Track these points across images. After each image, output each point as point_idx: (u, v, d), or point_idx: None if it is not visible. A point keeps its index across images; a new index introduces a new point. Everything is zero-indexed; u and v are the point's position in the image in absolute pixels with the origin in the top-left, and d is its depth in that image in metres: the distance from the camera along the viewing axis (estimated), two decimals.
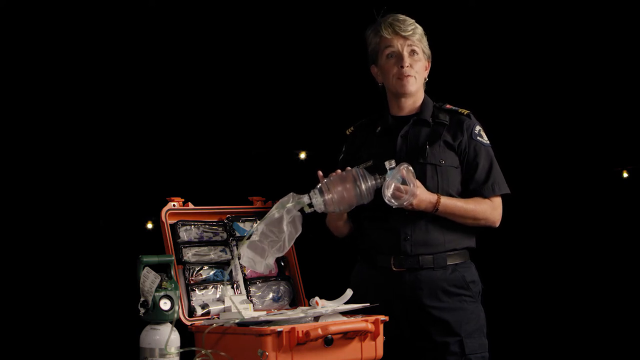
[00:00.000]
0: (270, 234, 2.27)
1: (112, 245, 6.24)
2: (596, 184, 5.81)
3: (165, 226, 2.43)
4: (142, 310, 2.12)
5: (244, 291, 2.48)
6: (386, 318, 2.28)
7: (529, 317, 5.82)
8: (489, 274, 2.93)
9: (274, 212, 2.27)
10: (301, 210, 2.31)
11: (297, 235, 2.29)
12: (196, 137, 6.13)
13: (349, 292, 2.33)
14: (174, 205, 2.46)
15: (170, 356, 2.09)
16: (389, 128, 2.74)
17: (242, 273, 2.51)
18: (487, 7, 5.30)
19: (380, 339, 2.26)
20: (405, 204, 2.45)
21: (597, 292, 5.72)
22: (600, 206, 5.77)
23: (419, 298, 2.60)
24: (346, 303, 2.32)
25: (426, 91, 2.78)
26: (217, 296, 2.42)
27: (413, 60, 2.68)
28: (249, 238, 2.30)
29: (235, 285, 2.47)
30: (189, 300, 2.38)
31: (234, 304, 2.25)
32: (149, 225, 6.22)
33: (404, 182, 2.43)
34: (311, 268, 2.84)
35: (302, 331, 2.10)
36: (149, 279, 2.12)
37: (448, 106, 2.76)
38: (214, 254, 2.50)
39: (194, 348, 2.17)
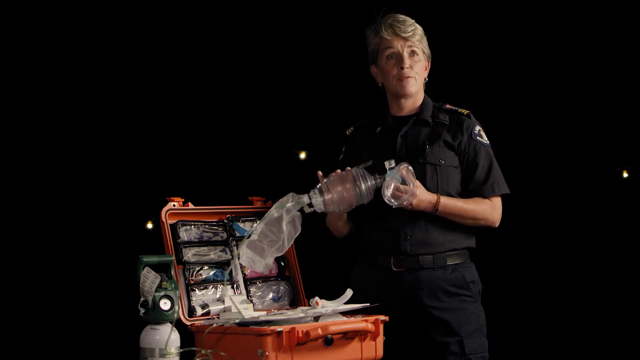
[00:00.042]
0: (270, 234, 2.27)
1: (112, 245, 6.24)
2: (596, 184, 5.81)
3: (165, 226, 2.43)
4: (142, 310, 2.12)
5: (244, 291, 2.48)
6: (386, 318, 2.28)
7: (529, 317, 5.82)
8: (489, 274, 2.93)
9: (274, 212, 2.27)
10: (301, 210, 2.31)
11: (296, 235, 2.29)
12: (196, 137, 6.13)
13: (349, 292, 2.33)
14: (174, 205, 2.46)
15: (170, 356, 2.09)
16: (388, 128, 2.74)
17: (242, 273, 2.51)
18: (487, 7, 5.30)
19: (380, 339, 2.26)
20: (405, 203, 2.45)
21: (597, 292, 5.72)
22: (600, 206, 5.77)
23: (419, 298, 2.60)
24: (346, 303, 2.32)
25: (426, 91, 2.78)
26: (217, 296, 2.42)
27: (413, 61, 2.68)
28: (248, 237, 2.30)
29: (235, 285, 2.47)
30: (189, 300, 2.38)
31: (234, 304, 2.25)
32: (149, 225, 6.22)
33: (403, 182, 2.43)
34: (311, 268, 2.84)
35: (302, 331, 2.10)
36: (149, 279, 2.12)
37: (448, 106, 2.76)
38: (214, 254, 2.50)
39: (194, 348, 2.17)
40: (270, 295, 2.54)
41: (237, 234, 2.54)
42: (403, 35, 2.67)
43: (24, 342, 5.92)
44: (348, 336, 2.20)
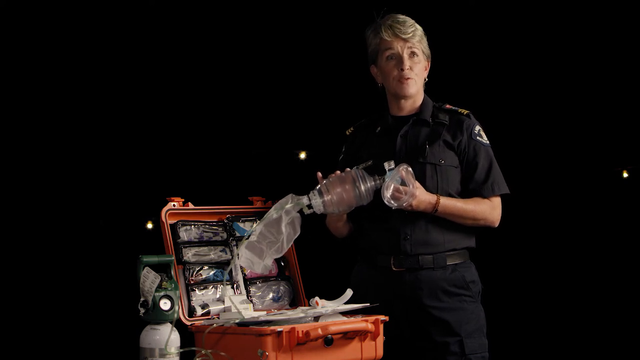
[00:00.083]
0: (269, 235, 2.27)
1: (112, 245, 6.24)
2: (596, 184, 5.81)
3: (165, 226, 2.43)
4: (142, 310, 2.12)
5: (244, 291, 2.48)
6: (386, 318, 2.28)
7: (529, 317, 5.82)
8: (489, 274, 2.93)
9: (273, 213, 2.27)
10: (300, 212, 2.31)
11: (295, 237, 2.29)
12: (196, 137, 6.13)
13: (349, 292, 2.33)
14: (174, 205, 2.46)
15: (170, 356, 2.09)
16: (388, 128, 2.74)
17: (242, 273, 2.51)
18: (487, 7, 5.30)
19: (380, 339, 2.26)
20: (404, 205, 2.45)
21: (597, 292, 5.72)
22: (600, 206, 5.77)
23: (418, 298, 2.60)
24: (346, 303, 2.32)
25: (426, 91, 2.78)
26: (217, 296, 2.42)
27: (413, 62, 2.68)
28: (248, 238, 2.30)
29: (235, 285, 2.47)
30: (189, 300, 2.38)
31: (233, 304, 2.25)
32: (149, 225, 6.22)
33: (403, 183, 2.42)
34: (311, 268, 2.84)
35: (302, 331, 2.10)
36: (149, 279, 2.12)
37: (448, 106, 2.76)
38: (214, 254, 2.50)
39: (194, 348, 2.17)
40: (270, 295, 2.54)
41: (237, 234, 2.54)
42: (403, 36, 2.67)
43: (24, 342, 5.92)
44: (348, 336, 2.20)
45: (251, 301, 2.44)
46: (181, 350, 2.13)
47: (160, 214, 2.43)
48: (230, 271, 2.47)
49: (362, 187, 2.36)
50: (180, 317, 2.26)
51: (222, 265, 2.49)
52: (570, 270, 5.83)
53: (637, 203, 5.68)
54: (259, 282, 2.52)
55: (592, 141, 5.69)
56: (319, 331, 2.12)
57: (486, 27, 5.43)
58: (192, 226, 2.49)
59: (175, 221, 2.46)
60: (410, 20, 2.70)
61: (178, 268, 2.41)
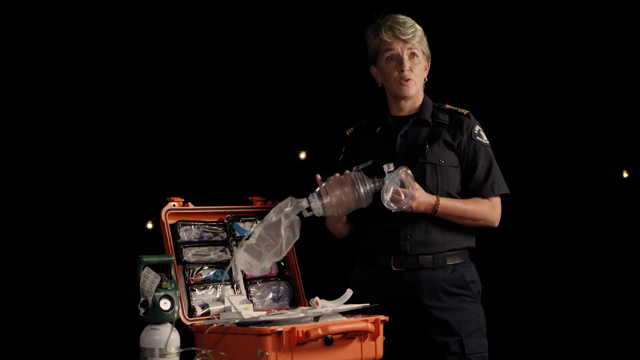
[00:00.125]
0: (268, 238, 2.27)
1: (112, 245, 6.24)
2: (596, 184, 5.81)
3: (165, 226, 2.43)
4: (142, 310, 2.12)
5: (244, 291, 2.48)
6: (386, 318, 2.28)
7: (529, 317, 5.82)
8: (489, 274, 2.93)
9: (272, 216, 2.27)
10: (300, 215, 2.31)
11: (294, 241, 2.29)
12: (196, 137, 6.13)
13: (349, 292, 2.33)
14: (174, 205, 2.46)
15: (170, 356, 2.09)
16: (388, 128, 2.74)
17: (242, 273, 2.51)
18: (487, 7, 5.30)
19: (380, 339, 2.26)
20: (404, 207, 2.44)
21: (597, 292, 5.72)
22: (600, 206, 5.77)
23: (418, 298, 2.60)
24: (346, 303, 2.32)
25: (426, 91, 2.78)
26: (217, 296, 2.42)
27: (413, 63, 2.68)
28: (247, 239, 2.30)
29: (235, 285, 2.47)
30: (189, 300, 2.38)
31: (232, 304, 2.25)
32: (149, 225, 6.22)
33: (402, 186, 2.42)
34: (311, 268, 2.84)
35: (302, 331, 2.10)
36: (149, 279, 2.12)
37: (448, 106, 2.76)
38: (214, 254, 2.50)
39: (194, 348, 2.17)
40: (270, 295, 2.54)
41: (237, 234, 2.54)
42: (403, 37, 2.67)
43: (24, 342, 5.92)
44: (348, 336, 2.20)
45: (251, 301, 2.44)
46: (181, 350, 2.13)
47: (160, 214, 2.43)
48: (230, 271, 2.47)
49: (362, 190, 2.36)
50: (180, 317, 2.26)
51: (222, 265, 2.48)
52: (570, 270, 5.83)
53: (637, 203, 5.68)
54: (259, 282, 2.52)
55: (592, 141, 5.69)
56: (319, 331, 2.12)
57: (486, 27, 5.43)
58: (192, 226, 2.49)
59: (175, 221, 2.46)
60: (410, 21, 2.70)
61: (178, 268, 2.41)
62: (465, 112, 2.74)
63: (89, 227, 6.38)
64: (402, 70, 2.67)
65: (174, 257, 2.29)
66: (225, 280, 2.44)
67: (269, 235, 2.27)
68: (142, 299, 2.12)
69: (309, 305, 2.33)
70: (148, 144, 6.11)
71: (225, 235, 2.54)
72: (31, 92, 5.72)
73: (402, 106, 2.74)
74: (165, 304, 2.11)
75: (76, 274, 6.18)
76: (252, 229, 2.52)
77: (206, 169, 6.13)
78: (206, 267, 2.46)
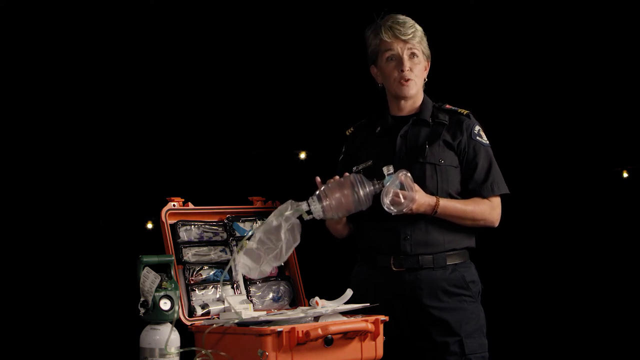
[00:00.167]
0: (268, 242, 2.27)
1: (112, 245, 6.24)
2: (596, 184, 5.81)
3: (165, 226, 2.43)
4: (142, 310, 2.12)
5: (244, 291, 2.48)
6: (386, 318, 2.28)
7: (529, 317, 5.82)
8: (489, 274, 2.93)
9: (272, 220, 2.27)
10: (300, 218, 2.31)
11: (295, 245, 2.29)
12: (196, 137, 6.13)
13: (349, 292, 2.33)
14: (174, 205, 2.46)
15: (170, 356, 2.09)
16: (388, 128, 2.74)
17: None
18: (487, 7, 5.30)
19: (380, 339, 2.26)
20: (404, 210, 2.44)
21: (597, 292, 5.72)
22: (600, 206, 5.77)
23: (418, 298, 2.60)
24: (346, 303, 2.32)
25: (426, 91, 2.78)
26: (217, 296, 2.42)
27: (413, 63, 2.68)
28: (248, 239, 2.30)
29: (235, 285, 2.47)
30: (189, 300, 2.38)
31: (231, 304, 2.25)
32: (149, 225, 6.22)
33: (402, 188, 2.42)
34: (311, 268, 2.84)
35: (302, 331, 2.10)
36: (149, 279, 2.12)
37: (447, 106, 2.76)
38: (214, 254, 2.50)
39: (194, 348, 2.17)
40: (270, 295, 2.54)
41: (237, 234, 2.54)
42: (403, 37, 2.67)
43: (24, 342, 5.92)
44: (348, 336, 2.20)
45: (251, 301, 2.44)
46: (181, 350, 2.13)
47: (160, 214, 2.43)
48: (230, 271, 2.47)
49: (361, 192, 2.36)
50: (180, 317, 2.26)
51: (222, 265, 2.48)
52: (570, 270, 5.83)
53: (637, 203, 5.68)
54: (259, 282, 2.52)
55: (592, 141, 5.69)
56: (319, 331, 2.12)
57: (486, 27, 5.43)
58: (192, 226, 2.49)
59: (175, 221, 2.46)
60: (410, 21, 2.70)
61: (178, 268, 2.41)
62: (465, 112, 2.74)
63: (89, 227, 6.38)
64: (402, 70, 2.67)
65: (174, 257, 2.29)
66: (225, 280, 2.44)
67: (269, 239, 2.27)
68: (142, 299, 2.12)
69: (309, 305, 2.33)
70: (148, 144, 6.12)
71: (225, 235, 2.54)
72: (31, 92, 5.72)
73: (402, 106, 2.74)
74: (165, 304, 2.12)
75: (76, 274, 6.18)
76: (252, 229, 2.52)
77: (206, 169, 6.13)
78: (206, 267, 2.46)
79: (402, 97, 2.71)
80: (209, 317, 2.35)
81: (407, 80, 2.67)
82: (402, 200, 2.42)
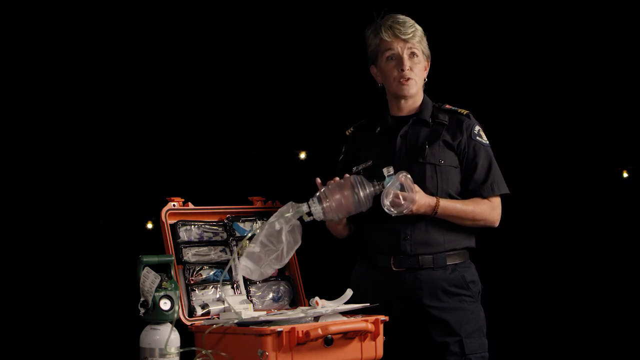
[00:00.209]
0: (269, 244, 2.28)
1: (112, 245, 6.24)
2: (596, 184, 5.81)
3: (165, 226, 2.43)
4: (142, 310, 2.12)
5: (244, 291, 2.48)
6: (386, 318, 2.28)
7: (529, 317, 5.82)
8: (489, 274, 2.93)
9: (274, 222, 2.28)
10: (300, 219, 2.31)
11: (296, 247, 2.30)
12: (196, 137, 6.13)
13: (349, 292, 2.33)
14: (174, 205, 2.46)
15: (170, 356, 2.09)
16: (388, 128, 2.74)
17: None
18: (487, 7, 5.30)
19: (380, 339, 2.26)
20: (405, 211, 2.44)
21: (597, 292, 5.72)
22: (600, 206, 5.77)
23: (418, 298, 2.60)
24: (346, 303, 2.32)
25: (426, 91, 2.78)
26: (217, 296, 2.42)
27: (413, 62, 2.68)
28: (248, 239, 2.30)
29: (235, 285, 2.47)
30: (189, 300, 2.38)
31: (231, 304, 2.25)
32: (149, 225, 6.22)
33: (402, 189, 2.42)
34: (311, 268, 2.84)
35: (302, 331, 2.10)
36: (149, 279, 2.12)
37: (447, 106, 2.76)
38: (214, 254, 2.50)
39: (194, 348, 2.17)
40: (270, 295, 2.54)
41: (237, 234, 2.54)
42: (403, 37, 2.67)
43: (24, 342, 5.92)
44: (348, 336, 2.20)
45: (251, 301, 2.44)
46: (181, 350, 2.13)
47: (160, 214, 2.43)
48: (230, 271, 2.47)
49: (361, 194, 2.36)
50: (180, 317, 2.26)
51: (222, 265, 2.49)
52: (570, 270, 5.83)
53: (637, 203, 5.68)
54: (259, 282, 2.52)
55: (592, 141, 5.69)
56: (319, 331, 2.12)
57: (486, 27, 5.43)
58: (192, 226, 2.49)
59: (175, 221, 2.46)
60: (410, 21, 2.70)
61: (178, 268, 2.41)
62: (465, 112, 2.74)
63: (89, 227, 6.38)
64: (402, 70, 2.67)
65: (174, 257, 2.29)
66: (225, 280, 2.44)
67: (270, 241, 2.27)
68: (142, 299, 2.12)
69: (309, 305, 2.33)
70: (148, 144, 6.11)
71: (225, 235, 2.54)
72: (31, 92, 5.72)
73: (401, 106, 2.74)
74: (165, 304, 2.12)
75: (76, 274, 6.18)
76: (252, 229, 2.53)
77: (206, 169, 6.13)
78: (206, 267, 2.46)
79: (402, 97, 2.71)
80: (209, 317, 2.35)
81: (407, 79, 2.67)
82: (402, 202, 2.42)
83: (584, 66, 5.45)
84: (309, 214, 2.33)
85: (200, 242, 2.49)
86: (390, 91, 2.74)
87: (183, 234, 2.46)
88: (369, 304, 2.31)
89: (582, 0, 5.14)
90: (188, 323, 2.30)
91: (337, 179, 2.42)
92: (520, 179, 4.06)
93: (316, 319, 2.22)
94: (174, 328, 2.12)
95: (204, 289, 2.42)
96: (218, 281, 2.44)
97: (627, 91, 5.44)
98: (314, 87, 5.87)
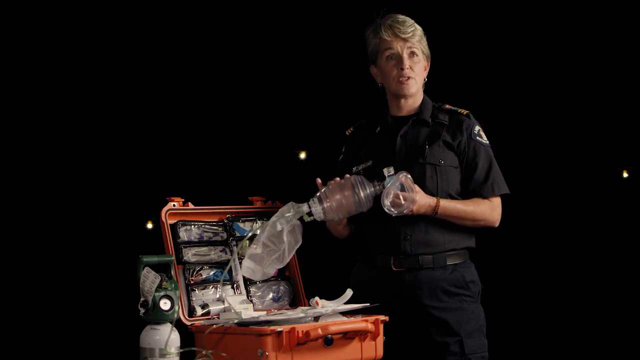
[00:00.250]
0: (271, 244, 2.28)
1: (112, 245, 6.24)
2: (596, 184, 5.81)
3: (165, 226, 2.43)
4: (142, 310, 2.12)
5: (244, 291, 2.48)
6: (386, 318, 2.28)
7: (529, 317, 5.82)
8: (489, 274, 2.93)
9: (275, 223, 2.28)
10: (300, 219, 2.31)
11: (297, 246, 2.30)
12: (196, 137, 6.13)
13: (349, 292, 2.33)
14: (174, 205, 2.46)
15: (170, 356, 2.09)
16: (388, 128, 2.74)
17: None
18: (487, 7, 5.30)
19: (380, 339, 2.26)
20: (405, 211, 2.44)
21: (597, 292, 5.72)
22: (600, 206, 5.77)
23: (418, 298, 2.60)
24: (346, 303, 2.32)
25: (426, 91, 2.78)
26: (217, 296, 2.42)
27: (413, 62, 2.68)
28: (249, 239, 2.30)
29: (235, 285, 2.48)
30: (189, 300, 2.38)
31: (231, 304, 2.25)
32: (149, 225, 6.22)
33: (402, 189, 2.42)
34: (311, 268, 2.85)
35: (302, 331, 2.10)
36: (149, 279, 2.12)
37: (447, 106, 2.76)
38: (214, 254, 2.50)
39: (194, 348, 2.17)
40: (270, 295, 2.54)
41: (237, 234, 2.54)
42: (402, 36, 2.67)
43: (24, 342, 5.92)
44: (348, 336, 2.20)
45: (251, 301, 2.44)
46: (181, 350, 2.13)
47: (160, 214, 2.43)
48: (230, 271, 2.47)
49: (362, 194, 2.36)
50: (180, 317, 2.26)
51: (222, 265, 2.49)
52: (570, 270, 5.83)
53: (637, 203, 5.68)
54: (259, 282, 2.52)
55: (592, 141, 5.69)
56: (319, 331, 2.12)
57: (486, 27, 5.43)
58: (192, 226, 2.49)
59: (175, 221, 2.46)
60: (409, 20, 2.70)
61: (178, 268, 2.41)
62: (465, 112, 2.74)
63: (89, 227, 6.38)
64: (402, 69, 2.67)
65: (174, 257, 2.29)
66: (225, 280, 2.44)
67: (272, 242, 2.28)
68: (142, 299, 2.12)
69: (309, 305, 2.33)
70: (148, 144, 6.11)
71: (225, 235, 2.54)
72: (31, 92, 5.72)
73: (401, 106, 2.74)
74: (165, 304, 2.12)
75: (76, 274, 6.18)
76: (252, 229, 2.53)
77: (206, 169, 6.13)
78: (206, 267, 2.46)
79: (402, 96, 2.71)
80: (209, 317, 2.35)
81: (407, 78, 2.67)
82: (403, 202, 2.42)
83: (583, 66, 5.45)
84: (310, 214, 2.33)
85: (200, 242, 2.49)
86: (390, 91, 2.74)
87: (183, 234, 2.46)
88: (369, 304, 2.31)
89: (582, 0, 5.14)
90: (188, 323, 2.30)
91: (338, 179, 2.42)
92: (520, 179, 4.06)
93: (316, 319, 2.22)
94: (174, 328, 2.12)
95: (204, 289, 2.42)
96: (218, 281, 2.44)
97: (627, 91, 5.44)
98: (314, 87, 5.87)
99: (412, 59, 2.68)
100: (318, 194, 2.36)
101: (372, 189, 2.38)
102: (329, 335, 2.14)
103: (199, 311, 2.37)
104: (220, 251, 2.51)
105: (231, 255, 2.51)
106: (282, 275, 2.59)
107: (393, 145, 2.68)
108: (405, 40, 2.67)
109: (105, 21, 5.37)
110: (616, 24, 5.19)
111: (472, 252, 2.71)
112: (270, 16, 5.52)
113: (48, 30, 5.36)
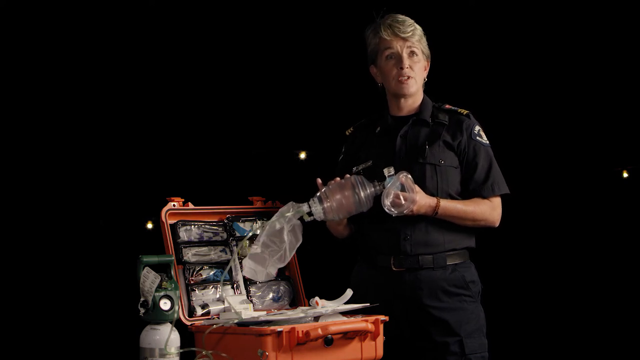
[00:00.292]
0: (271, 244, 2.28)
1: (112, 245, 6.24)
2: (596, 184, 5.81)
3: (165, 226, 2.43)
4: (142, 310, 2.12)
5: (244, 291, 2.48)
6: (386, 318, 2.28)
7: (529, 317, 5.82)
8: (489, 274, 2.93)
9: (275, 223, 2.28)
10: (301, 219, 2.31)
11: (297, 245, 2.30)
12: (196, 137, 6.13)
13: (349, 292, 2.33)
14: (174, 205, 2.46)
15: (170, 356, 2.09)
16: (388, 128, 2.74)
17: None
18: (487, 7, 5.30)
19: (380, 339, 2.26)
20: (405, 211, 2.44)
21: (597, 292, 5.72)
22: (600, 206, 5.77)
23: (418, 298, 2.60)
24: (346, 303, 2.32)
25: (426, 91, 2.78)
26: (217, 296, 2.42)
27: (412, 61, 2.68)
28: (249, 239, 2.30)
29: (235, 285, 2.48)
30: (189, 300, 2.38)
31: (231, 304, 2.25)
32: (149, 225, 6.22)
33: (403, 189, 2.42)
34: (311, 268, 2.85)
35: (302, 331, 2.10)
36: (149, 279, 2.12)
37: (447, 106, 2.76)
38: (214, 254, 2.50)
39: (194, 348, 2.17)
40: (270, 295, 2.54)
41: (237, 234, 2.54)
42: (402, 35, 2.67)
43: (24, 342, 5.92)
44: (348, 336, 2.20)
45: (251, 301, 2.44)
46: (181, 350, 2.13)
47: (160, 214, 2.43)
48: (230, 271, 2.47)
49: (362, 194, 2.36)
50: (180, 317, 2.26)
51: (222, 265, 2.49)
52: (570, 270, 5.83)
53: (637, 203, 5.68)
54: (259, 282, 2.52)
55: (592, 141, 5.69)
56: (319, 331, 2.12)
57: (486, 27, 5.43)
58: (192, 226, 2.49)
59: (175, 221, 2.46)
60: (409, 20, 2.70)
61: (178, 268, 2.41)
62: (465, 112, 2.74)
63: (89, 227, 6.38)
64: (402, 68, 2.67)
65: (174, 257, 2.29)
66: (225, 280, 2.44)
67: (273, 242, 2.28)
68: (142, 299, 2.12)
69: (309, 305, 2.33)
70: (148, 144, 6.12)
71: (225, 235, 2.54)
72: (31, 92, 5.72)
73: (401, 105, 2.74)
74: (165, 304, 2.12)
75: (76, 274, 6.18)
76: (252, 229, 2.53)
77: (206, 169, 6.13)
78: (206, 267, 2.46)
79: (401, 95, 2.71)
80: (209, 317, 2.35)
81: (407, 78, 2.67)
82: (403, 202, 2.42)
83: (583, 66, 5.45)
84: (310, 213, 2.33)
85: (200, 242, 2.49)
86: (389, 90, 2.74)
87: (183, 234, 2.46)
88: (369, 304, 2.31)
89: (582, 0, 5.14)
90: (188, 323, 2.30)
91: (338, 179, 2.42)
92: (520, 179, 4.06)
93: (316, 319, 2.22)
94: (174, 328, 2.12)
95: (204, 289, 2.42)
96: (218, 281, 2.44)
97: (627, 91, 5.44)
98: (314, 87, 5.87)
99: (411, 58, 2.68)
100: (318, 194, 2.37)
101: (372, 189, 2.38)
102: (329, 335, 2.14)
103: (199, 311, 2.37)
104: (220, 251, 2.51)
105: (231, 255, 2.51)
106: (282, 275, 2.59)
107: (393, 145, 2.68)
108: (405, 39, 2.67)
109: (106, 21, 5.37)
110: (616, 24, 5.19)
111: (472, 252, 2.71)
112: (270, 16, 5.52)
113: (48, 30, 5.36)
